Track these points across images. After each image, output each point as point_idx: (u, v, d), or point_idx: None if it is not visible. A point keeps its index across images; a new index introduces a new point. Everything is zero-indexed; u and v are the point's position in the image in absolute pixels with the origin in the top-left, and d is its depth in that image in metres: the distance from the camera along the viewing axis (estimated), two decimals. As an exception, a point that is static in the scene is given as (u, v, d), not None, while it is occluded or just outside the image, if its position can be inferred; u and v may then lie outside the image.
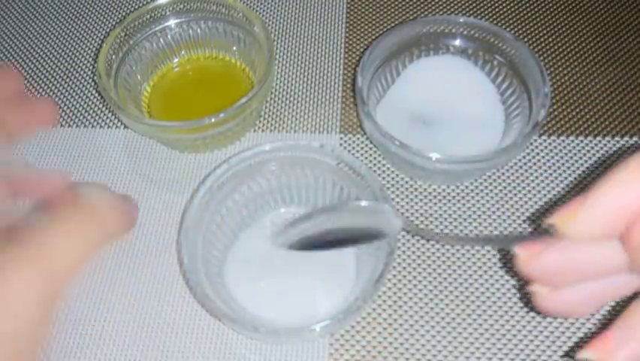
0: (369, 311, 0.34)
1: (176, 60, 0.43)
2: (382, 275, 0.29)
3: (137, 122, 0.36)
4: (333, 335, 0.33)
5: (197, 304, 0.34)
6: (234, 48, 0.43)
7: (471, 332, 0.33)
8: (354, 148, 0.40)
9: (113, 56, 0.39)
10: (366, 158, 0.40)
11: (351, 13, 0.47)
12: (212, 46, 0.43)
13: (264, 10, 0.48)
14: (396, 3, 0.48)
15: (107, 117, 0.42)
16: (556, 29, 0.46)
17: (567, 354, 0.32)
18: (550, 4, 0.47)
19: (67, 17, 0.49)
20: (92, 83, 0.45)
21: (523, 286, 0.34)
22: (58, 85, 0.45)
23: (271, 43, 0.38)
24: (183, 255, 0.30)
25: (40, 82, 0.45)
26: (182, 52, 0.43)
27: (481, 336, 0.33)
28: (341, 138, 0.40)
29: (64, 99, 0.44)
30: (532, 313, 0.33)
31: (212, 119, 0.35)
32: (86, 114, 0.43)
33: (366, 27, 0.46)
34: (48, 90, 0.44)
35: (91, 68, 0.45)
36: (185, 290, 0.35)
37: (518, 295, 0.34)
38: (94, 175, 0.40)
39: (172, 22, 0.42)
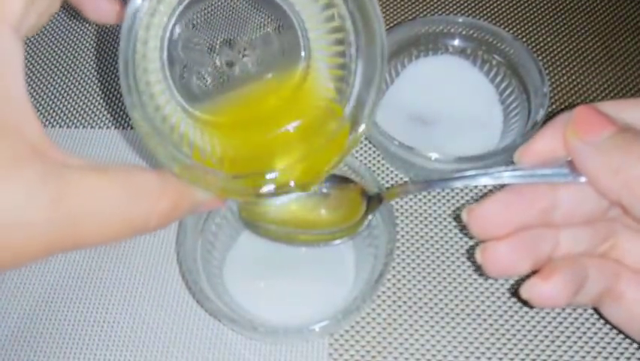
0: (369, 311, 0.34)
1: None
2: (381, 275, 0.29)
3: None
4: (333, 335, 0.33)
5: (196, 304, 0.34)
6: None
7: (470, 332, 0.33)
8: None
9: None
10: (365, 158, 0.40)
11: (350, 13, 0.47)
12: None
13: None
14: (395, 3, 0.48)
15: (107, 118, 0.42)
16: (555, 29, 0.46)
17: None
18: (549, 4, 0.47)
19: (66, 13, 0.49)
20: (91, 84, 0.44)
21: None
22: (57, 86, 0.44)
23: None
24: (183, 255, 0.30)
25: (39, 82, 0.45)
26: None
27: (480, 336, 0.33)
28: (340, 138, 0.40)
29: (64, 100, 0.44)
30: (531, 314, 0.33)
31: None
32: (85, 115, 0.43)
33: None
34: (48, 90, 0.44)
35: (94, 66, 0.45)
36: (184, 290, 0.35)
37: (523, 305, 0.34)
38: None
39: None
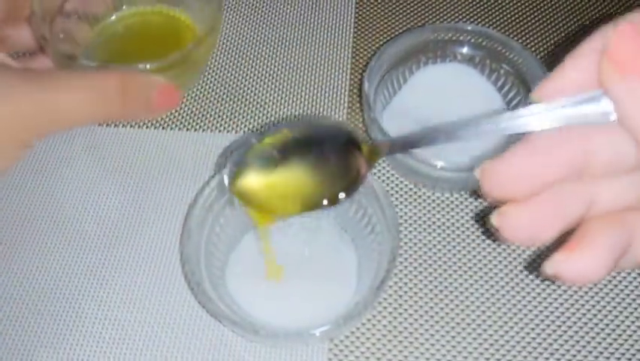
0: (370, 317, 0.34)
1: (119, 13, 0.41)
2: (384, 282, 0.29)
3: (71, 62, 0.34)
4: (333, 340, 0.33)
5: (198, 305, 0.34)
6: (182, 4, 0.41)
7: (470, 342, 0.33)
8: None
9: (49, 4, 0.37)
10: (370, 163, 0.40)
11: (359, 19, 0.47)
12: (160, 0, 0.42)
13: (272, 16, 0.48)
14: (405, 10, 0.48)
15: (114, 116, 0.43)
16: (563, 40, 0.46)
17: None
18: (559, 15, 0.47)
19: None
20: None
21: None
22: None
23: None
24: (186, 256, 0.30)
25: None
26: (125, 5, 0.41)
27: (481, 346, 0.33)
28: (346, 143, 0.40)
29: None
30: (531, 326, 0.33)
31: (148, 66, 0.33)
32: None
33: (373, 33, 0.46)
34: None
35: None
36: (186, 291, 0.35)
37: (523, 308, 0.34)
38: (94, 175, 0.40)
39: None
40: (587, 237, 0.19)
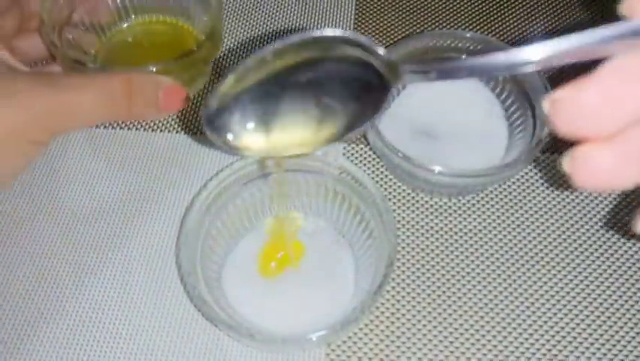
0: (367, 322, 0.34)
1: (125, 24, 0.43)
2: (381, 286, 0.29)
3: (79, 66, 0.36)
4: (330, 345, 0.33)
5: (193, 309, 0.34)
6: (184, 13, 0.42)
7: (468, 347, 0.33)
8: (357, 158, 0.40)
9: (58, 10, 0.38)
10: (368, 168, 0.40)
11: (359, 25, 0.47)
12: (163, 10, 0.43)
13: (270, 21, 0.48)
14: (404, 16, 0.48)
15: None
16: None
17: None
18: (556, 21, 0.47)
19: None
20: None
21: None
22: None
23: (221, 3, 0.39)
24: (182, 259, 0.30)
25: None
26: (132, 15, 0.43)
27: (479, 351, 0.33)
28: (344, 148, 0.40)
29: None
30: (529, 331, 0.33)
31: (154, 68, 0.35)
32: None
33: (373, 39, 0.46)
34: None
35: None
36: (182, 294, 0.34)
37: (521, 313, 0.34)
38: (90, 177, 0.40)
39: None
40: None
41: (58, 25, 0.38)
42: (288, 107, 0.22)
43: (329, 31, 0.19)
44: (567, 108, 0.16)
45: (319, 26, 0.47)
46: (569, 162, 0.17)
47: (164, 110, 0.33)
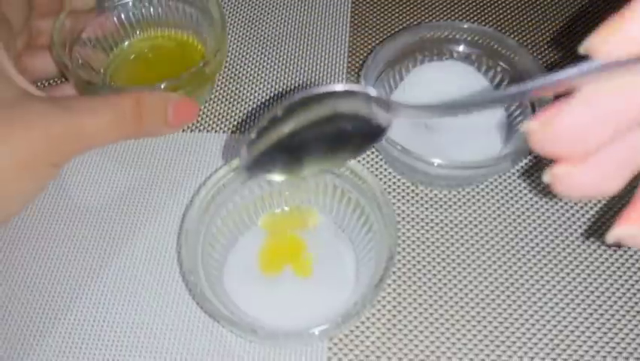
0: (369, 316, 0.34)
1: (132, 40, 0.44)
2: (382, 280, 0.29)
3: (91, 87, 0.37)
4: (332, 338, 0.33)
5: (195, 305, 0.34)
6: (189, 27, 0.44)
7: (470, 338, 0.33)
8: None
9: (68, 30, 0.39)
10: (368, 162, 0.40)
11: (356, 16, 0.47)
12: (168, 25, 0.44)
13: (268, 14, 0.48)
14: (400, 8, 0.48)
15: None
16: (559, 36, 0.46)
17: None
18: (554, 12, 0.47)
19: None
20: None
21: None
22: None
23: (224, 19, 0.40)
24: (183, 256, 0.30)
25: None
26: (138, 32, 0.44)
27: (481, 343, 0.33)
28: (343, 142, 0.40)
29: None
30: (531, 321, 0.33)
31: (164, 85, 0.36)
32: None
33: (370, 31, 0.46)
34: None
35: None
36: (184, 292, 0.35)
37: (518, 308, 0.34)
38: (90, 176, 0.40)
39: (128, 0, 0.43)
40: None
41: (68, 44, 0.39)
42: (306, 154, 0.27)
43: (325, 88, 0.23)
44: (543, 135, 0.18)
45: (315, 20, 0.47)
46: (550, 178, 0.19)
47: (174, 126, 0.34)
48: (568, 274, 0.35)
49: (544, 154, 0.18)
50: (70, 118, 0.29)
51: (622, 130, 0.17)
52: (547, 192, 0.34)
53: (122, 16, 0.43)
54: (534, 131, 0.18)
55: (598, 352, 0.32)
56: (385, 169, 0.39)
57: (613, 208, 0.37)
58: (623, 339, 0.33)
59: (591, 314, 0.33)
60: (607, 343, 0.33)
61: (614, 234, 0.18)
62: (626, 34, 0.17)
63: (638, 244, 0.18)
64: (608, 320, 0.33)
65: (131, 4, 0.43)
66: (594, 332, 0.33)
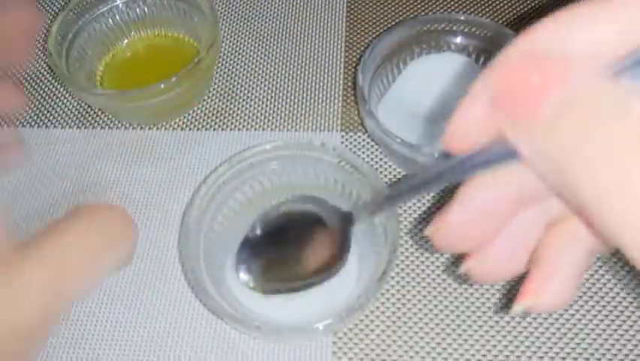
0: (373, 309, 0.34)
1: (126, 41, 0.44)
2: (385, 273, 0.29)
3: (89, 92, 0.38)
4: (337, 333, 0.33)
5: (198, 303, 0.34)
6: (181, 25, 0.44)
7: (476, 330, 0.33)
8: (355, 146, 0.40)
9: (63, 39, 0.40)
10: (367, 156, 0.40)
11: (352, 11, 0.47)
12: (161, 24, 0.44)
13: (263, 11, 0.48)
14: (397, 1, 0.47)
15: (107, 118, 0.42)
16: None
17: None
18: (551, 1, 0.47)
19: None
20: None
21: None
22: (51, 86, 0.44)
23: (215, 12, 0.40)
24: (184, 254, 0.30)
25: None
26: (133, 32, 0.44)
27: (487, 333, 0.33)
28: (342, 136, 0.40)
29: (59, 100, 0.44)
30: (534, 315, 0.33)
31: (162, 85, 0.37)
32: (80, 116, 0.43)
33: (366, 25, 0.46)
34: (35, 91, 0.44)
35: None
36: (186, 290, 0.34)
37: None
38: (90, 175, 0.39)
39: (119, 2, 0.43)
40: (546, 269, 0.19)
41: (64, 52, 0.40)
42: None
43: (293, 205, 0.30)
44: (438, 238, 0.19)
45: (311, 14, 0.47)
46: (464, 270, 0.20)
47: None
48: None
49: (448, 252, 0.21)
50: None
51: (505, 216, 0.19)
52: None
53: (117, 18, 0.43)
54: (430, 236, 0.20)
55: (598, 357, 0.32)
56: (385, 162, 0.39)
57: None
58: (622, 335, 0.33)
59: (595, 315, 0.33)
60: (606, 341, 0.32)
61: (514, 310, 0.19)
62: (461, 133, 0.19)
63: (541, 311, 0.19)
64: (609, 325, 0.33)
65: (121, 6, 0.43)
66: (595, 339, 0.33)
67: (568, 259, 0.19)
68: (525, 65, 0.16)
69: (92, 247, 0.26)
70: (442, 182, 0.20)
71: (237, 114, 0.42)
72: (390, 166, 0.39)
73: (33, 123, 0.42)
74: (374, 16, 0.47)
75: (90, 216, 0.27)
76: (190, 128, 0.41)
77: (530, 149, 0.16)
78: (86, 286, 0.23)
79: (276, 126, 0.41)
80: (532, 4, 0.47)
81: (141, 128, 0.41)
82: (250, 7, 0.48)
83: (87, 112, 0.43)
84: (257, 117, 0.42)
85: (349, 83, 0.43)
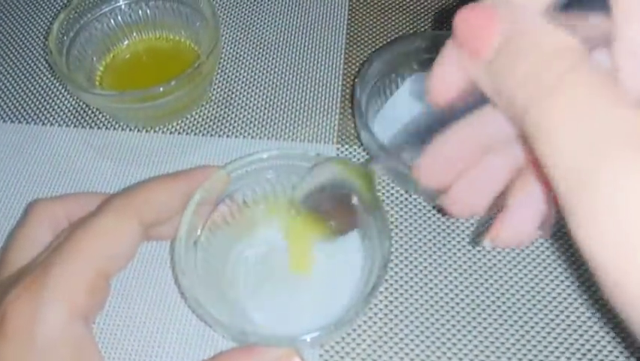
0: (361, 323, 0.34)
1: (127, 42, 0.44)
2: (375, 288, 0.29)
3: (87, 92, 0.38)
4: (324, 346, 0.33)
5: (187, 310, 0.34)
6: (182, 28, 0.44)
7: (460, 348, 0.33)
8: (350, 159, 0.40)
9: (64, 37, 0.40)
10: (362, 169, 0.40)
11: (352, 24, 0.47)
12: (162, 27, 0.45)
13: (264, 18, 0.48)
14: (397, 16, 0.48)
15: (105, 119, 0.42)
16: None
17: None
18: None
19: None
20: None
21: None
22: (50, 84, 0.44)
23: (217, 18, 0.40)
24: (176, 261, 0.30)
25: (17, 77, 0.45)
26: (134, 34, 0.44)
27: (473, 350, 0.33)
28: (337, 149, 0.41)
29: (57, 99, 0.44)
30: (526, 328, 0.33)
31: (162, 88, 0.37)
32: (78, 115, 0.43)
33: (366, 40, 0.47)
34: (34, 88, 0.44)
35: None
36: (177, 294, 0.35)
37: (513, 314, 0.34)
38: (89, 177, 0.39)
39: (122, 2, 0.43)
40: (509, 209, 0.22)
41: (65, 51, 0.40)
42: None
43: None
44: (422, 172, 0.23)
45: (311, 27, 0.47)
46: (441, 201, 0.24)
47: None
48: (562, 281, 0.35)
49: (432, 188, 0.23)
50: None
51: (467, 154, 0.22)
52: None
53: (119, 18, 0.43)
54: (415, 170, 0.23)
55: (596, 355, 0.33)
56: (379, 177, 0.39)
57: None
58: (614, 337, 0.33)
59: (590, 317, 0.34)
60: (608, 342, 0.33)
61: (484, 243, 0.23)
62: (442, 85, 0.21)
63: (503, 246, 0.22)
64: (606, 323, 0.33)
65: (124, 7, 0.43)
66: (588, 340, 0.33)
67: (524, 202, 0.22)
68: (474, 10, 0.18)
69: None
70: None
71: (235, 121, 0.42)
72: (383, 180, 0.39)
73: (30, 120, 0.42)
74: (374, 30, 0.47)
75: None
76: (187, 133, 0.41)
77: (488, 87, 0.18)
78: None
79: (272, 135, 0.41)
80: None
81: (139, 130, 0.42)
82: (252, 15, 0.48)
83: (85, 111, 0.43)
84: (254, 125, 0.42)
85: (347, 96, 0.43)
